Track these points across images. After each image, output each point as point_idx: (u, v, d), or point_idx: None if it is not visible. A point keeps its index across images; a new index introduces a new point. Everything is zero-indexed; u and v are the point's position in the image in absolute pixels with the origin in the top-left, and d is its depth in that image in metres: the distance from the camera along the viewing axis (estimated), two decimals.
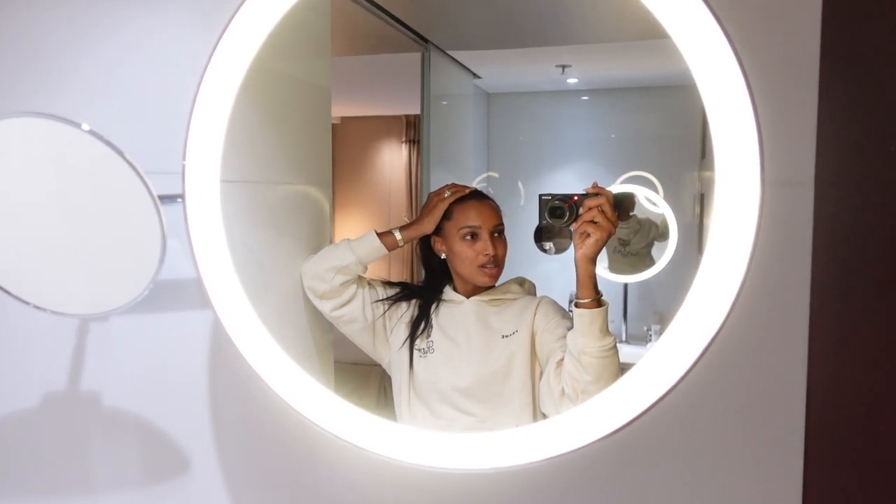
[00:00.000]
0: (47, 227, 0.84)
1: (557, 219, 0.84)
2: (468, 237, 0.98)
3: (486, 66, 1.32)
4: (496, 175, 1.33)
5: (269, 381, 0.80)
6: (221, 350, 1.04)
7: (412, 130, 1.47)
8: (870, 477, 0.77)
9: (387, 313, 1.03)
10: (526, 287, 1.03)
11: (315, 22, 1.04)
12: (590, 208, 0.82)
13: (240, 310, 0.80)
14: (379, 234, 0.99)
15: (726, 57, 0.62)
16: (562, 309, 0.97)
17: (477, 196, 1.00)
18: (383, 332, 1.03)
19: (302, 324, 1.03)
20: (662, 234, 1.23)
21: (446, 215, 0.99)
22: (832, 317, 0.76)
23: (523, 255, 1.08)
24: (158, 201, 0.78)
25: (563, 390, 0.86)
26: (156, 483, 1.10)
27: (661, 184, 1.22)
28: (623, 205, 1.22)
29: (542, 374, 0.93)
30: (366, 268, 1.01)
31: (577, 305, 0.83)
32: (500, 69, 1.35)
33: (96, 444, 1.12)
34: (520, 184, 1.31)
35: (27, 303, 0.86)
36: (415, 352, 1.00)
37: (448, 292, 1.03)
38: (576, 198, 0.83)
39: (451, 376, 0.97)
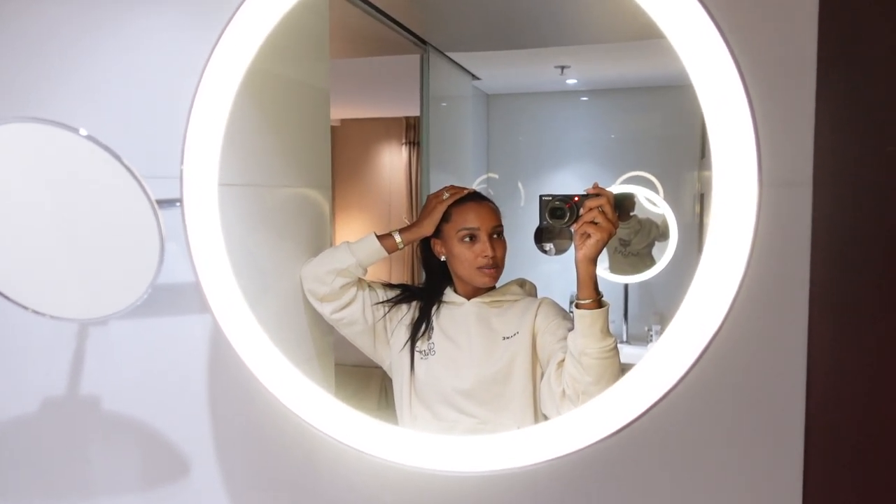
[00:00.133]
0: (46, 231, 0.84)
1: (558, 219, 0.84)
2: (466, 239, 0.98)
3: (486, 68, 1.31)
4: (496, 176, 1.32)
5: (267, 385, 0.79)
6: (220, 354, 1.04)
7: (412, 132, 1.47)
8: (869, 476, 0.77)
9: (387, 315, 1.03)
10: (527, 288, 1.03)
11: (313, 24, 1.04)
12: (590, 209, 0.81)
13: (239, 313, 0.80)
14: (379, 237, 0.99)
15: (723, 57, 0.62)
16: (563, 310, 0.97)
17: (475, 198, 1.00)
18: (384, 334, 1.03)
19: (302, 326, 1.03)
20: (663, 234, 1.23)
21: (445, 217, 0.99)
22: (831, 316, 0.76)
23: (524, 257, 1.07)
24: (156, 205, 0.78)
25: (563, 391, 0.86)
26: (155, 487, 1.10)
27: (661, 184, 1.22)
28: (623, 205, 1.22)
29: (543, 375, 0.93)
30: (366, 270, 1.00)
31: (577, 306, 0.83)
32: (499, 70, 1.35)
33: (96, 448, 1.12)
34: (520, 185, 1.30)
35: (26, 308, 0.86)
36: (416, 354, 1.00)
37: (449, 294, 1.02)
38: (576, 198, 0.83)
39: (453, 378, 0.97)
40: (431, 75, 1.27)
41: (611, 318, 0.84)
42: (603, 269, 1.20)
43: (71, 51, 1.07)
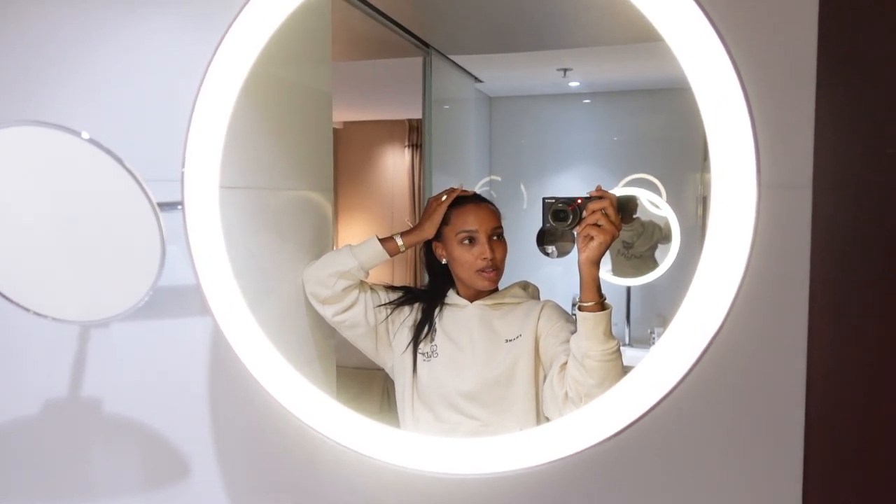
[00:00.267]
0: (48, 234, 0.84)
1: (561, 222, 0.84)
2: (466, 241, 0.98)
3: (488, 70, 1.31)
4: (499, 179, 1.32)
5: (268, 387, 0.79)
6: (222, 356, 1.04)
7: (415, 135, 1.47)
8: (869, 477, 0.77)
9: (389, 317, 1.03)
10: (529, 291, 1.03)
11: (316, 27, 1.04)
12: (593, 211, 0.81)
13: (239, 316, 0.80)
14: (381, 240, 0.99)
15: (721, 59, 0.62)
16: (565, 313, 0.97)
17: (474, 200, 1.00)
18: (386, 336, 1.03)
19: (304, 329, 1.03)
20: (666, 237, 1.22)
21: (445, 220, 0.99)
22: (831, 317, 0.76)
23: (526, 259, 1.07)
24: (158, 208, 0.78)
25: (566, 394, 0.85)
26: (156, 489, 1.10)
27: (664, 186, 1.21)
28: (626, 208, 1.22)
29: (545, 377, 0.93)
30: (367, 273, 1.00)
31: (580, 309, 0.83)
32: (502, 73, 1.35)
33: (97, 450, 1.12)
34: (522, 187, 1.30)
35: (28, 310, 0.86)
36: (418, 356, 1.00)
37: (451, 296, 1.02)
38: (579, 201, 0.83)
39: (455, 380, 0.97)
40: (434, 78, 1.27)
41: (613, 320, 0.84)
42: (605, 272, 1.20)
43: (72, 53, 1.07)
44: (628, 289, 1.23)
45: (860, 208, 0.75)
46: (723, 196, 0.63)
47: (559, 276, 1.05)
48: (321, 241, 1.09)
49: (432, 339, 1.00)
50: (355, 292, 1.00)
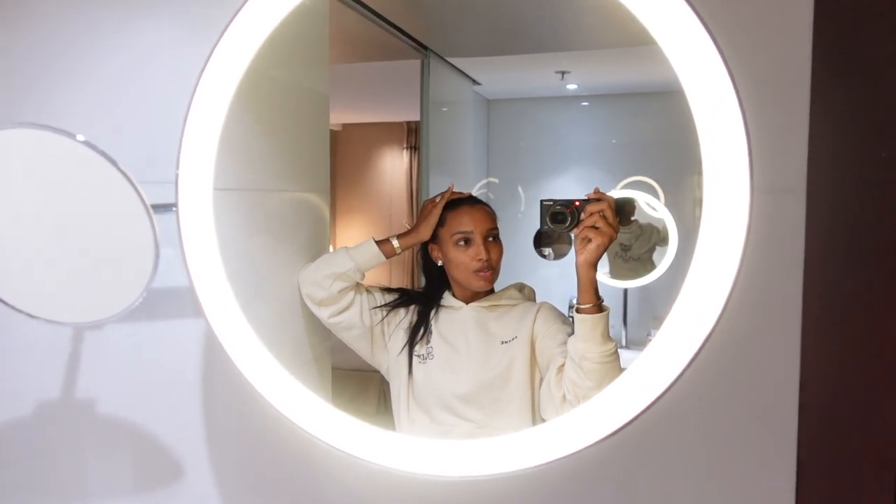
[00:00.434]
0: (42, 235, 0.84)
1: (559, 224, 0.84)
2: (461, 243, 0.97)
3: (486, 73, 1.31)
4: (496, 181, 1.32)
5: (261, 390, 0.79)
6: (216, 358, 1.04)
7: (413, 137, 1.46)
8: (863, 478, 0.76)
9: (385, 319, 1.02)
10: (525, 293, 1.02)
11: (312, 29, 1.04)
12: (591, 213, 0.81)
13: (233, 318, 0.80)
14: (377, 242, 0.99)
15: (714, 61, 0.61)
16: (562, 315, 0.97)
17: (470, 201, 1.00)
18: (381, 338, 1.03)
19: (300, 331, 1.02)
20: (664, 239, 1.22)
21: (441, 222, 0.99)
22: (825, 321, 0.76)
23: (523, 261, 1.07)
24: (151, 210, 0.78)
25: (564, 396, 0.85)
26: (150, 492, 1.09)
27: (662, 189, 1.21)
28: (624, 210, 1.21)
29: (541, 380, 0.93)
30: (363, 275, 1.00)
31: (578, 311, 0.83)
32: (500, 75, 1.35)
33: (91, 452, 1.12)
34: (520, 189, 1.30)
35: (21, 311, 0.86)
36: (414, 358, 0.99)
37: (447, 298, 1.02)
38: (577, 203, 0.83)
39: (451, 382, 0.96)
40: (432, 80, 1.27)
41: (610, 322, 0.83)
42: (603, 274, 1.20)
43: (66, 55, 1.07)
44: (625, 291, 1.23)
45: (854, 212, 0.74)
46: (716, 200, 0.63)
47: (556, 278, 1.05)
48: (318, 243, 1.09)
49: (428, 342, 1.00)
50: (351, 294, 1.00)
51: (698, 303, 0.64)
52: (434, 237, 1.00)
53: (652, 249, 1.23)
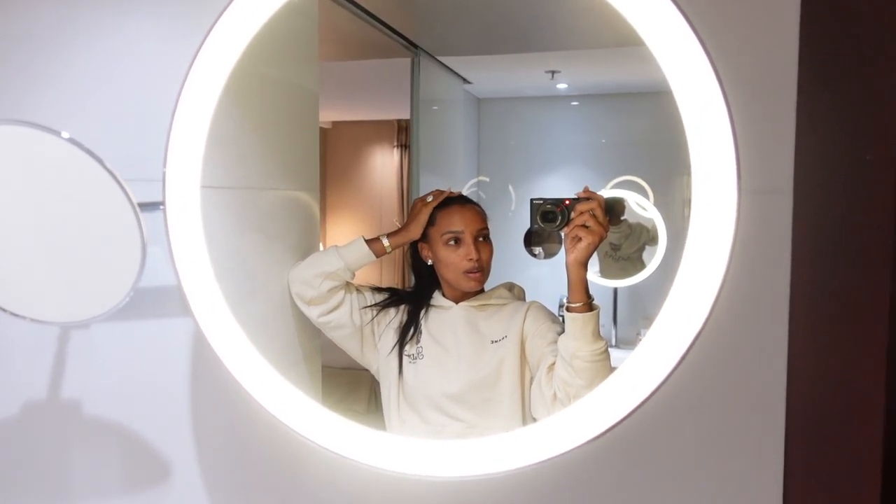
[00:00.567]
0: (26, 234, 0.83)
1: (549, 223, 0.84)
2: (451, 242, 0.97)
3: (476, 72, 1.31)
4: (487, 180, 1.32)
5: (250, 390, 0.79)
6: (204, 357, 1.03)
7: (404, 135, 1.46)
8: (849, 478, 0.77)
9: (375, 319, 1.02)
10: (515, 292, 1.02)
11: (301, 26, 1.04)
12: (581, 212, 0.81)
13: (221, 318, 0.79)
14: (367, 241, 0.98)
15: (701, 63, 0.61)
16: (551, 313, 0.97)
17: (460, 201, 1.00)
18: (371, 337, 1.02)
19: (290, 330, 1.02)
20: (653, 239, 1.22)
21: (431, 221, 0.99)
22: (811, 321, 0.76)
23: (513, 260, 1.07)
24: (138, 209, 0.77)
25: (555, 395, 0.85)
26: (137, 491, 1.09)
27: (651, 188, 1.22)
28: (614, 209, 1.22)
29: (531, 379, 0.93)
30: (353, 274, 1.00)
31: (568, 310, 0.83)
32: (490, 74, 1.35)
33: (77, 452, 1.11)
34: (510, 188, 1.30)
35: (5, 310, 0.85)
36: (404, 357, 0.99)
37: (437, 298, 1.02)
38: (567, 202, 0.83)
39: (441, 382, 0.96)
40: (422, 79, 1.27)
41: (600, 321, 0.84)
42: (593, 273, 1.20)
43: (52, 52, 1.06)
44: (615, 290, 1.23)
45: (841, 212, 0.75)
46: (704, 200, 0.63)
47: (546, 277, 1.05)
48: (307, 242, 1.08)
49: (418, 341, 1.00)
50: (341, 293, 0.99)
51: (687, 302, 0.65)
52: (424, 236, 1.00)
53: (641, 249, 1.23)
